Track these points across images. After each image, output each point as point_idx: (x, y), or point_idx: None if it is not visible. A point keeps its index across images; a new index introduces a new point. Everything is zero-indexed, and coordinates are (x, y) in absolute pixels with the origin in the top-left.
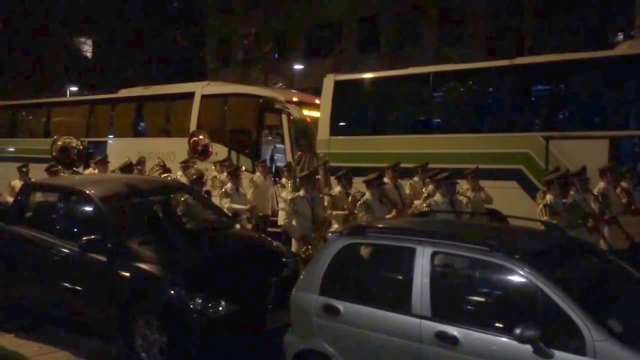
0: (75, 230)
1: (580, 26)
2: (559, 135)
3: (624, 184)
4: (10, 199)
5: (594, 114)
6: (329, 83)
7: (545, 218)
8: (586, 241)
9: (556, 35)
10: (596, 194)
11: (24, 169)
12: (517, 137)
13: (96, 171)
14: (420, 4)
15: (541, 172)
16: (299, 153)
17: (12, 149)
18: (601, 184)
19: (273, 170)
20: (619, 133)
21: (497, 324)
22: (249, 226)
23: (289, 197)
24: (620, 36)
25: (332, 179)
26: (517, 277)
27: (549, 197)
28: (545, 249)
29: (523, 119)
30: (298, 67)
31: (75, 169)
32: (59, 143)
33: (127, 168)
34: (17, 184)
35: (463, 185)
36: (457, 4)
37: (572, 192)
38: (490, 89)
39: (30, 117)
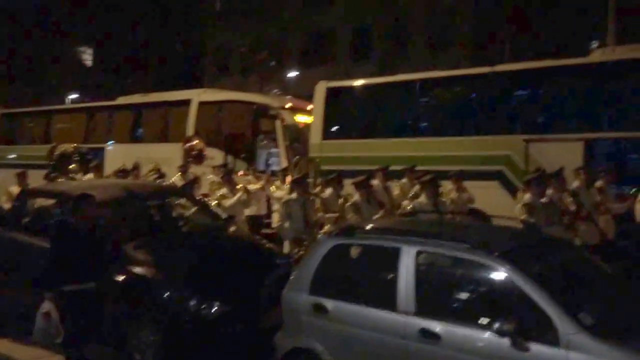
0: None
1: (558, 35)
2: (538, 137)
3: (598, 183)
4: (7, 205)
5: (570, 118)
6: (320, 89)
7: (524, 216)
8: (562, 237)
9: (535, 42)
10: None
11: (21, 176)
12: (499, 139)
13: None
14: (410, 16)
15: (521, 173)
16: (296, 157)
17: (12, 156)
18: (575, 183)
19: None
20: (593, 135)
21: (477, 319)
22: (245, 228)
23: (282, 200)
24: (595, 44)
25: (322, 181)
26: (496, 274)
27: (527, 196)
28: (522, 246)
29: (504, 122)
30: (293, 74)
31: (72, 175)
32: (57, 151)
33: (121, 173)
34: (15, 190)
35: (447, 186)
36: (445, 11)
37: (549, 192)
38: (474, 94)
39: (31, 124)
